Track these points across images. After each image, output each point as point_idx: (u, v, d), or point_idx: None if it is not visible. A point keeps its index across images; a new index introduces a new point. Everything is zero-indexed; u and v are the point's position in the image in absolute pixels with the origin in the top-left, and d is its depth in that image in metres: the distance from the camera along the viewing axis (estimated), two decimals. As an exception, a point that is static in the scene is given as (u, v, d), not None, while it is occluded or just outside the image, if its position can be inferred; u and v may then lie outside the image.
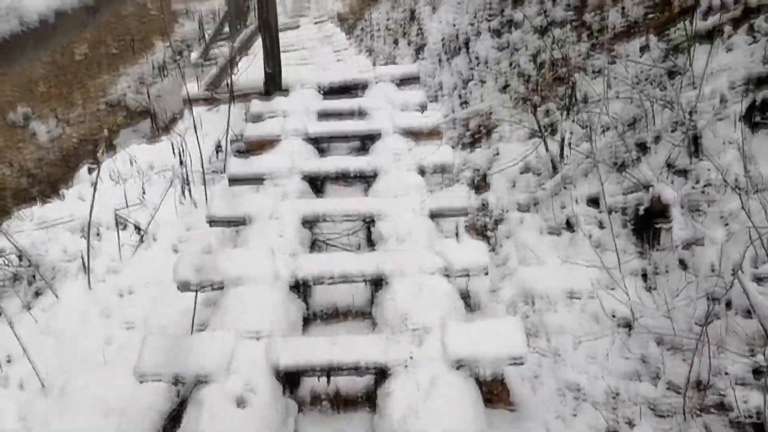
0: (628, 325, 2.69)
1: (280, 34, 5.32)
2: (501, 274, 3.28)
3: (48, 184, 6.05)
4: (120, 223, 3.86)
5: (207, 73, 5.78)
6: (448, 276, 2.83)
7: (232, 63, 5.19)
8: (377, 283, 2.87)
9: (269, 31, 4.80)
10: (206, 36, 7.91)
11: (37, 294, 3.45)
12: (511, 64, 5.27)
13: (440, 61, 6.46)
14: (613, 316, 2.75)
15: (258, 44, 5.50)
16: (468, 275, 2.89)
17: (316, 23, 9.03)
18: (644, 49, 3.87)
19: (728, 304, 2.49)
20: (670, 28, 3.82)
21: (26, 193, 5.80)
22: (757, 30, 3.25)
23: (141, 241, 3.79)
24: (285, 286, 2.80)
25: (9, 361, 2.95)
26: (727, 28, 3.44)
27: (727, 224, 2.66)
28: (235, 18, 6.33)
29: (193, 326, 2.91)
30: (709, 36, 3.43)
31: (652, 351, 2.51)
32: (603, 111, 3.52)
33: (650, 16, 4.08)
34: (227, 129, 4.63)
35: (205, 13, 9.99)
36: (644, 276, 2.91)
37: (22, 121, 7.22)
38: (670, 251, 2.82)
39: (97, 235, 3.89)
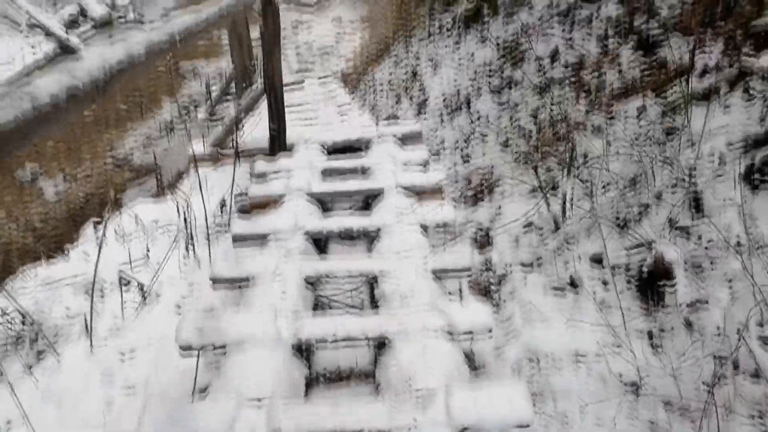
0: (635, 386, 2.65)
1: (285, 92, 5.43)
2: (505, 333, 3.26)
3: (54, 240, 6.08)
4: (123, 282, 3.87)
5: (213, 132, 5.88)
6: (451, 337, 2.81)
7: (237, 122, 5.29)
8: (380, 344, 2.85)
9: (274, 91, 4.91)
10: (212, 95, 8.08)
11: (39, 355, 3.43)
12: (511, 120, 5.36)
13: (442, 117, 6.57)
14: (620, 377, 2.71)
15: (263, 103, 5.62)
16: (472, 336, 2.86)
17: (320, 81, 9.23)
18: (642, 108, 3.94)
19: (735, 366, 2.46)
20: (666, 88, 3.90)
21: (32, 251, 5.83)
22: (752, 90, 3.32)
23: (144, 300, 3.79)
24: (287, 348, 2.77)
25: (9, 426, 2.90)
26: (723, 89, 3.51)
27: (730, 282, 2.66)
28: (242, 78, 6.49)
29: (194, 390, 2.87)
30: (706, 96, 3.50)
31: (660, 415, 2.47)
32: (603, 168, 3.56)
33: (647, 75, 4.17)
34: (232, 187, 4.68)
35: (212, 72, 10.24)
36: (650, 335, 2.89)
37: (29, 177, 7.32)
38: (675, 311, 2.81)
39: (101, 293, 3.89)
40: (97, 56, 1.52)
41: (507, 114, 5.52)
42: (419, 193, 4.36)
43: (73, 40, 7.75)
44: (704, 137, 3.16)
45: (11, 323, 3.59)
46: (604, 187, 3.68)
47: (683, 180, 3.05)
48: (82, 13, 9.68)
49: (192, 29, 2.57)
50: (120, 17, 10.26)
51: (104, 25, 9.81)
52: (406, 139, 5.50)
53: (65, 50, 8.21)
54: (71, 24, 9.49)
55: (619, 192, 3.43)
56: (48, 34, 8.07)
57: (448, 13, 8.05)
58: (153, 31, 2.18)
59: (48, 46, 8.37)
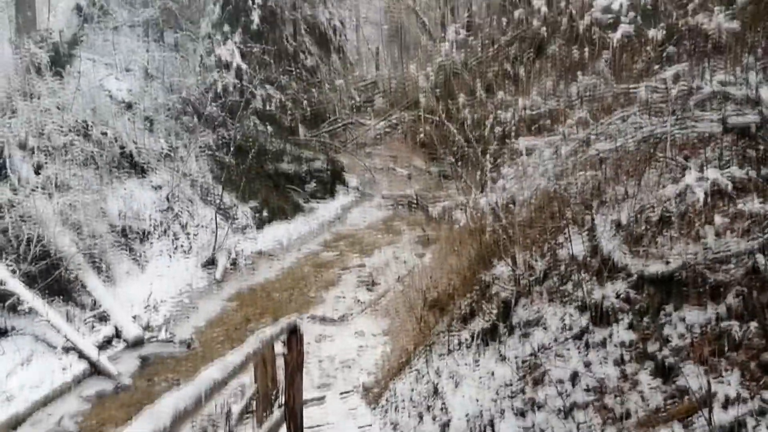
0: None
1: (306, 409, 5.41)
2: None
3: None
4: None
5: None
6: None
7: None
8: None
9: (294, 420, 4.90)
10: (231, 416, 7.99)
11: None
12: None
13: (466, 440, 6.35)
14: None
15: (282, 429, 5.56)
16: None
17: (341, 397, 9.21)
18: (672, 441, 3.82)
19: None
20: (692, 418, 3.82)
21: None
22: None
23: None
24: None
25: None
26: (750, 421, 3.44)
27: None
28: (263, 399, 6.50)
29: None
30: (733, 430, 3.41)
31: None
32: None
33: (669, 405, 4.12)
34: None
35: (234, 388, 10.29)
36: None
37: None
38: None
39: None
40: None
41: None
42: None
43: (104, 362, 8.08)
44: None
45: None
46: None
47: None
48: (117, 334, 10.25)
49: (219, 381, 2.70)
50: (152, 337, 10.81)
51: (136, 344, 10.30)
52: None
53: (95, 372, 8.49)
54: (104, 344, 9.98)
55: None
56: (81, 356, 8.44)
57: (466, 329, 8.37)
58: (182, 392, 2.29)
59: (78, 368, 8.68)
